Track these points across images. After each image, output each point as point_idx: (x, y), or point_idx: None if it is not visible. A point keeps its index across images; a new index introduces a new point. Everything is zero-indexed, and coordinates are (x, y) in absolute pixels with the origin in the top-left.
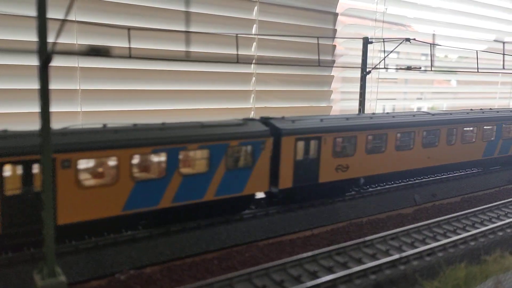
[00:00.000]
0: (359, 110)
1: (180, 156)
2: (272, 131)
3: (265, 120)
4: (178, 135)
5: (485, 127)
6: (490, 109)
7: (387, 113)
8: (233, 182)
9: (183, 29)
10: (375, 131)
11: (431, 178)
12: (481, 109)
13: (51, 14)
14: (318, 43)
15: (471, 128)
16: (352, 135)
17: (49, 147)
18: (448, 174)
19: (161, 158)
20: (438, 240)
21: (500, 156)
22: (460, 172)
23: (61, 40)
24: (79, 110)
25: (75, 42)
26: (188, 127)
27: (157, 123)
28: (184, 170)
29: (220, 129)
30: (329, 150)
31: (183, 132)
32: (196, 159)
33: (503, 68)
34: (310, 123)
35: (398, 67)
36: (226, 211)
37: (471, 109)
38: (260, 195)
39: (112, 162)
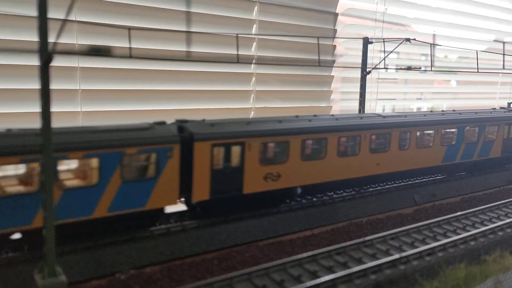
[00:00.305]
0: (359, 110)
1: (60, 167)
2: (182, 136)
3: (180, 124)
4: (56, 142)
5: (444, 130)
6: (453, 110)
7: (332, 115)
8: (132, 195)
9: (183, 29)
10: (312, 135)
11: (431, 178)
12: (442, 111)
13: (51, 14)
14: (318, 43)
15: (428, 132)
16: (284, 140)
17: (50, 147)
18: (446, 176)
19: (34, 169)
20: (438, 240)
21: (463, 161)
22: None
23: (61, 40)
24: (79, 110)
25: (75, 42)
26: (74, 132)
27: (35, 128)
28: (65, 183)
29: (114, 135)
30: (255, 156)
31: (63, 139)
32: (82, 169)
33: (503, 68)
34: (232, 127)
35: (398, 67)
36: (126, 228)
37: (431, 111)
38: (181, 208)
39: None
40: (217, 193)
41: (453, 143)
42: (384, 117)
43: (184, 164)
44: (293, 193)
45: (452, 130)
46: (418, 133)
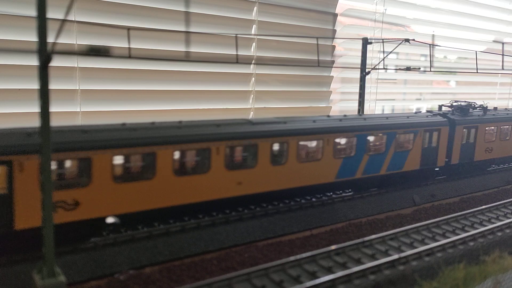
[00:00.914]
0: (358, 110)
1: None
2: None
3: None
4: None
5: (337, 139)
6: (360, 115)
7: (179, 122)
8: None
9: (183, 29)
10: (131, 150)
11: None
12: (344, 115)
13: (51, 14)
14: (317, 44)
15: (315, 142)
16: (83, 156)
17: (49, 147)
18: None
19: None
20: (437, 241)
21: (367, 176)
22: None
23: (60, 40)
24: (78, 110)
25: (75, 42)
26: None
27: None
28: None
29: None
30: (32, 180)
31: None
32: None
33: (502, 69)
34: None
35: (398, 68)
36: None
37: (328, 116)
38: None
39: None
40: None
41: (351, 154)
42: (253, 124)
43: None
44: (107, 226)
45: (349, 139)
46: (299, 144)
